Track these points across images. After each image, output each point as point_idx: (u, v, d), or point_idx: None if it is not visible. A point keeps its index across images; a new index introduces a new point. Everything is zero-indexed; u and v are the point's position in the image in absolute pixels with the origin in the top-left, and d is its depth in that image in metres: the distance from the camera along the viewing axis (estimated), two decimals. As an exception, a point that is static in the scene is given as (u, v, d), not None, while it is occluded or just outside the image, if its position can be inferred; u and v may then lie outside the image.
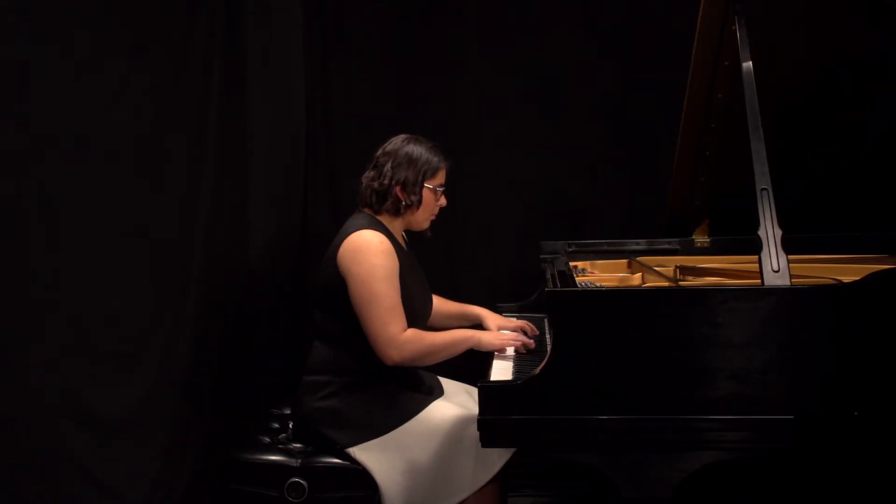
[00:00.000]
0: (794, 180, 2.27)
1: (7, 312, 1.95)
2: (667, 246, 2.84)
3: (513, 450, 2.24)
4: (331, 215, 3.22)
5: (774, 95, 2.20)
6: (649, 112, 3.05)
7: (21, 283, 1.99)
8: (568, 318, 1.90)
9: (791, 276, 1.91)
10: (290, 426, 2.45)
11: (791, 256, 1.93)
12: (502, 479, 2.32)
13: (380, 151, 2.40)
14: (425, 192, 2.37)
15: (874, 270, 2.00)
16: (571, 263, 2.72)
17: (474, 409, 2.01)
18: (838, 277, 2.10)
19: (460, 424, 2.24)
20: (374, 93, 3.25)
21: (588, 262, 2.82)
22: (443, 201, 2.45)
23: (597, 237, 2.93)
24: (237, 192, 3.00)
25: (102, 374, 2.26)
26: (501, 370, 2.30)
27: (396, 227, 2.42)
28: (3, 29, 1.93)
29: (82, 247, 2.18)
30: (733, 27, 2.24)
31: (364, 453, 2.25)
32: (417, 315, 2.36)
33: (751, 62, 2.15)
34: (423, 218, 2.43)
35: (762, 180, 2.00)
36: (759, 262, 1.93)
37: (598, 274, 2.69)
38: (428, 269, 2.58)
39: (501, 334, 2.42)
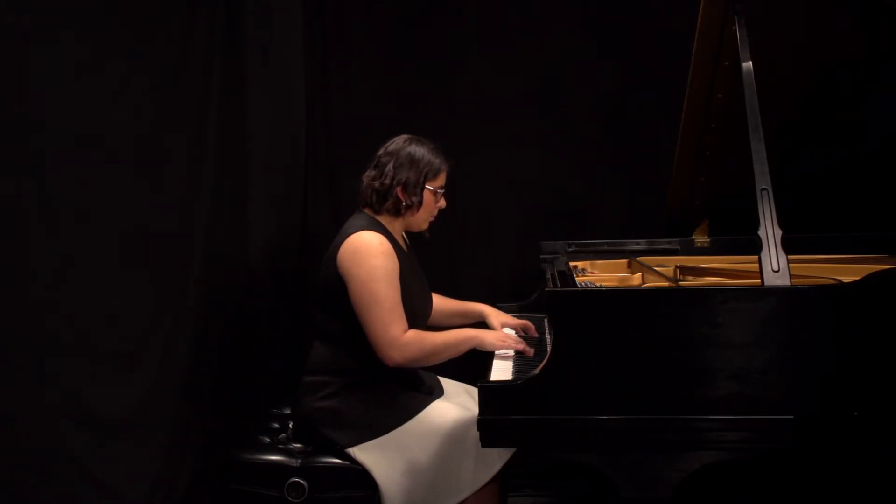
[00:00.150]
0: (794, 180, 2.27)
1: (7, 312, 1.95)
2: (667, 246, 2.84)
3: (513, 450, 2.24)
4: (331, 215, 3.22)
5: (774, 95, 2.20)
6: (649, 112, 3.05)
7: (21, 283, 1.99)
8: (568, 318, 1.90)
9: (791, 276, 1.91)
10: (290, 426, 2.45)
11: (791, 256, 1.93)
12: (502, 479, 2.32)
13: (381, 151, 2.40)
14: (426, 194, 2.37)
15: (874, 270, 2.00)
16: (571, 263, 2.72)
17: (474, 409, 2.01)
18: (838, 277, 2.10)
19: (460, 424, 2.24)
20: (374, 93, 3.25)
21: (588, 262, 2.81)
22: (442, 203, 2.45)
23: (597, 237, 2.93)
24: (237, 192, 3.00)
25: (102, 374, 2.26)
26: (501, 370, 2.30)
27: (396, 227, 2.42)
28: (3, 29, 1.93)
29: (82, 247, 2.19)
30: (733, 27, 2.24)
31: (364, 453, 2.25)
32: (418, 315, 2.36)
33: (751, 62, 2.15)
34: (422, 219, 2.43)
35: (762, 180, 2.00)
36: (759, 262, 1.93)
37: (598, 274, 2.69)
38: (428, 269, 2.58)
39: (504, 336, 2.41)
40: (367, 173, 2.40)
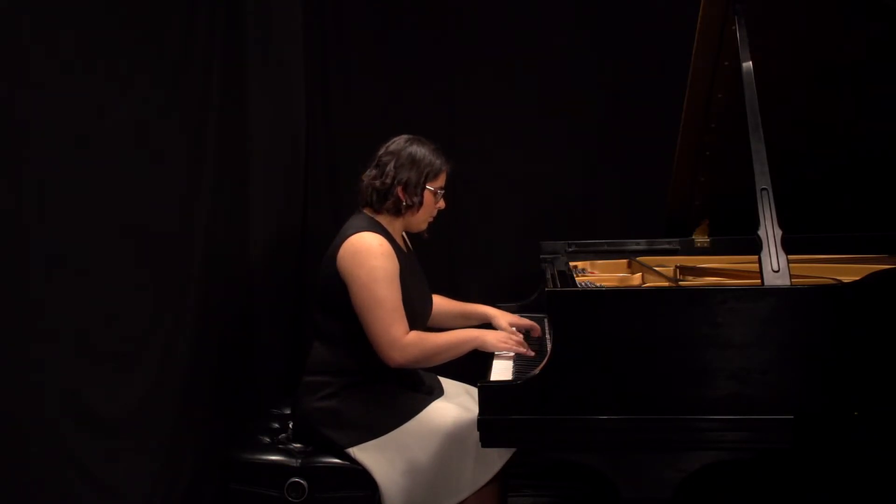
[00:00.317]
0: (794, 180, 2.27)
1: (7, 312, 1.95)
2: (667, 246, 2.84)
3: (513, 450, 2.24)
4: (331, 215, 3.22)
5: (774, 95, 2.20)
6: (649, 112, 3.05)
7: (21, 283, 1.99)
8: (568, 318, 1.90)
9: (791, 276, 1.91)
10: (290, 426, 2.45)
11: (791, 256, 1.93)
12: (502, 479, 2.32)
13: (382, 150, 2.40)
14: (426, 194, 2.37)
15: (874, 270, 2.00)
16: (571, 263, 2.72)
17: (474, 409, 2.01)
18: (838, 277, 2.10)
19: (460, 424, 2.24)
20: (374, 93, 3.24)
21: (588, 262, 2.81)
22: (442, 204, 2.45)
23: (597, 237, 2.93)
24: (237, 192, 3.00)
25: (102, 374, 2.26)
26: (501, 370, 2.30)
27: (396, 227, 2.42)
28: (3, 28, 1.93)
29: (82, 247, 2.18)
30: (733, 27, 2.24)
31: (364, 453, 2.25)
32: (417, 316, 2.36)
33: (751, 62, 2.15)
34: (422, 219, 2.43)
35: (762, 180, 2.00)
36: (759, 262, 1.93)
37: (598, 274, 2.69)
38: (428, 270, 2.58)
39: (506, 337, 2.40)
40: (368, 172, 2.40)
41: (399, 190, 2.35)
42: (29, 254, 2.03)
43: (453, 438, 2.23)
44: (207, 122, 2.78)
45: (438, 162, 2.38)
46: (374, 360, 2.27)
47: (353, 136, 3.20)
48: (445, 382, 2.53)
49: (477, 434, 1.92)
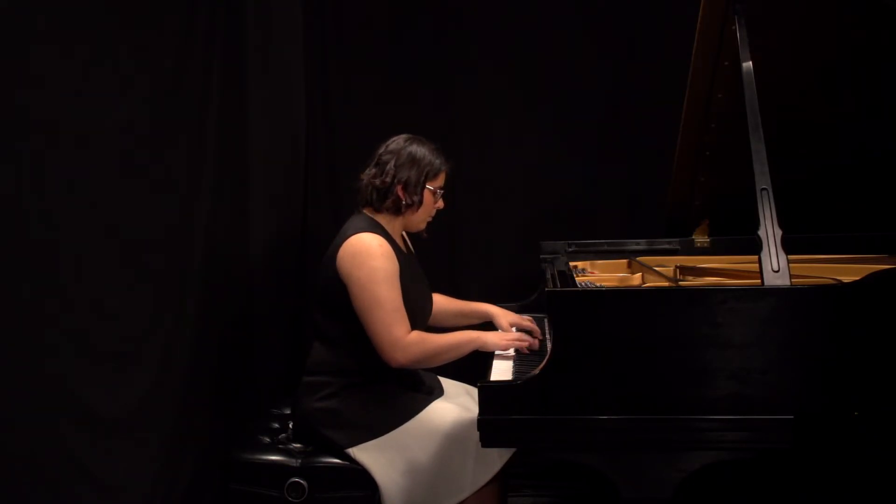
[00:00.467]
0: (794, 180, 2.27)
1: (7, 312, 1.95)
2: (667, 246, 2.84)
3: (513, 450, 2.24)
4: (331, 215, 3.22)
5: (774, 95, 2.20)
6: (649, 112, 3.05)
7: (21, 284, 1.99)
8: (568, 318, 1.90)
9: (791, 276, 1.91)
10: (290, 426, 2.45)
11: (791, 256, 1.93)
12: (502, 479, 2.32)
13: (382, 149, 2.40)
14: (426, 194, 2.37)
15: (874, 270, 2.00)
16: (571, 263, 2.72)
17: (474, 409, 2.01)
18: (838, 277, 2.10)
19: (460, 425, 2.24)
20: (374, 93, 3.25)
21: (588, 262, 2.81)
22: (441, 204, 2.45)
23: (597, 237, 2.93)
24: (237, 192, 3.00)
25: (102, 374, 2.26)
26: (501, 370, 2.30)
27: (396, 227, 2.42)
28: (3, 28, 1.93)
29: (82, 247, 2.18)
30: (733, 27, 2.24)
31: (364, 453, 2.25)
32: (418, 315, 2.36)
33: (751, 62, 2.15)
34: (421, 219, 2.43)
35: (762, 180, 2.00)
36: (759, 262, 1.93)
37: (598, 274, 2.69)
38: (428, 269, 2.58)
39: (506, 335, 2.41)
40: (368, 171, 2.40)
41: (399, 189, 2.35)
42: (29, 254, 2.02)
43: (453, 438, 2.23)
44: (207, 122, 2.77)
45: (438, 162, 2.39)
46: (373, 360, 2.27)
47: (353, 136, 3.20)
48: (445, 382, 2.53)
49: (477, 434, 1.92)
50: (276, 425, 2.51)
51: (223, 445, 2.57)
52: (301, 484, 2.26)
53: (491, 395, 1.91)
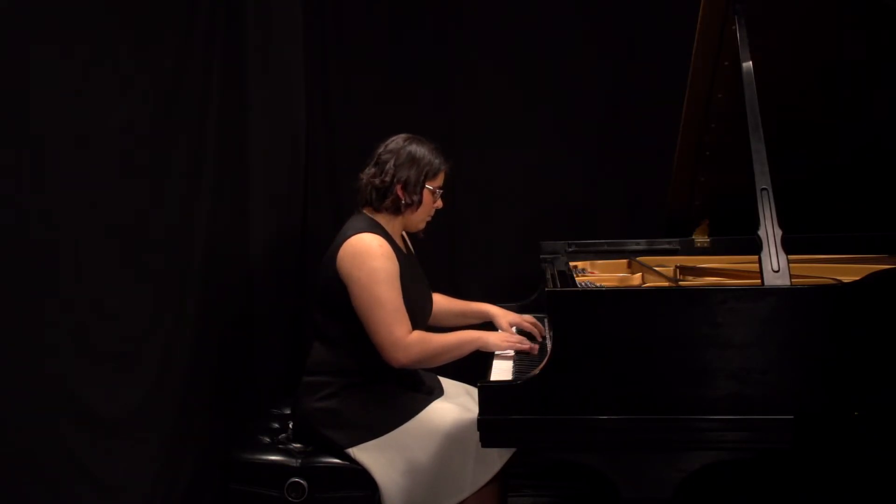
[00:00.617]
0: (794, 180, 2.27)
1: (7, 312, 1.95)
2: (667, 246, 2.84)
3: (513, 450, 2.24)
4: (331, 215, 3.22)
5: (774, 95, 2.20)
6: (649, 112, 3.05)
7: (21, 283, 1.99)
8: (568, 318, 1.90)
9: (791, 276, 1.91)
10: (290, 426, 2.45)
11: (791, 256, 1.93)
12: (502, 479, 2.32)
13: (381, 149, 2.40)
14: (425, 193, 2.38)
15: (874, 270, 2.00)
16: (571, 263, 2.72)
17: (474, 409, 2.01)
18: (838, 277, 2.10)
19: (460, 424, 2.24)
20: (374, 93, 3.24)
21: (588, 262, 2.81)
22: (440, 203, 2.45)
23: (597, 237, 2.93)
24: (237, 192, 3.00)
25: (102, 374, 2.26)
26: (501, 370, 2.30)
27: (395, 226, 2.42)
28: (3, 28, 1.93)
29: (82, 246, 2.18)
30: (733, 27, 2.24)
31: (364, 453, 2.25)
32: (418, 315, 2.36)
33: (751, 62, 2.15)
34: (420, 218, 2.43)
35: (762, 180, 2.00)
36: (759, 262, 1.93)
37: (598, 274, 2.69)
38: (428, 270, 2.58)
39: (508, 337, 2.40)
40: (367, 171, 2.40)
41: (398, 188, 2.35)
42: (29, 254, 2.02)
43: (453, 438, 2.23)
44: (207, 122, 2.77)
45: (437, 161, 2.39)
46: (374, 360, 2.27)
47: (353, 136, 3.20)
48: (445, 382, 2.53)
49: (477, 434, 1.92)
50: (276, 425, 2.51)
51: (223, 445, 2.57)
52: (301, 484, 2.26)
53: (491, 395, 1.91)
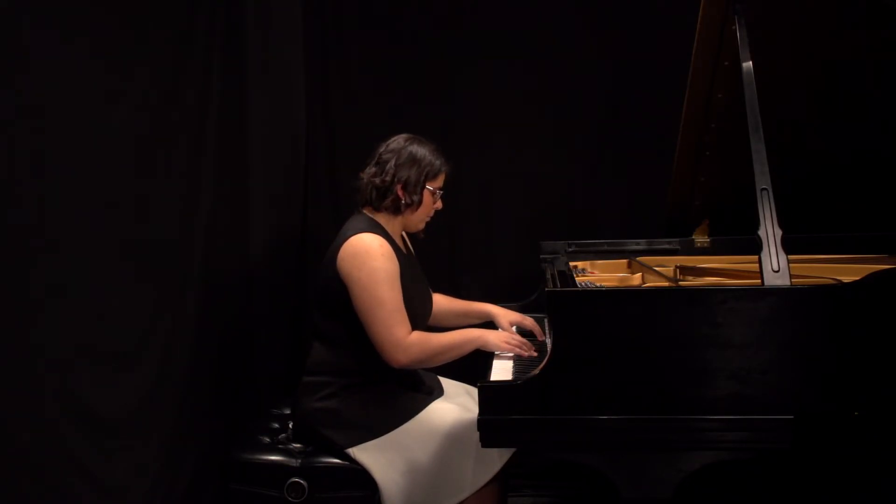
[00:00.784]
0: (794, 180, 2.27)
1: (7, 312, 1.95)
2: (667, 246, 2.84)
3: (513, 450, 2.24)
4: (331, 215, 3.22)
5: (774, 95, 2.19)
6: (649, 112, 3.05)
7: (21, 283, 1.99)
8: (568, 318, 1.90)
9: (791, 276, 1.91)
10: (290, 426, 2.45)
11: (791, 256, 1.93)
12: (502, 479, 2.32)
13: (382, 148, 2.40)
14: (425, 194, 2.38)
15: (874, 270, 2.00)
16: (571, 263, 2.72)
17: (474, 409, 2.01)
18: (838, 277, 2.10)
19: (460, 425, 2.24)
20: (374, 93, 3.24)
21: (588, 262, 2.81)
22: (439, 204, 2.45)
23: (597, 237, 2.93)
24: (237, 192, 3.00)
25: (102, 374, 2.26)
26: (501, 370, 2.30)
27: (395, 226, 2.42)
28: (3, 28, 1.93)
29: (82, 246, 2.18)
30: (733, 27, 2.24)
31: (364, 453, 2.25)
32: (418, 316, 2.36)
33: (751, 62, 2.15)
34: (419, 219, 2.43)
35: (762, 180, 2.00)
36: (759, 262, 1.93)
37: (598, 274, 2.69)
38: (428, 270, 2.58)
39: (508, 337, 2.39)
40: (368, 170, 2.41)
41: (398, 188, 2.35)
42: (29, 253, 2.02)
43: (453, 438, 2.23)
44: (207, 122, 2.77)
45: (438, 162, 2.39)
46: (373, 360, 2.27)
47: (353, 136, 3.20)
48: (445, 382, 2.53)
49: (477, 434, 1.92)
50: (276, 425, 2.51)
51: (223, 445, 2.57)
52: (301, 484, 2.26)
53: (491, 395, 1.91)
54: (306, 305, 3.22)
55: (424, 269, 2.56)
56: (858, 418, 1.88)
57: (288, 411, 2.52)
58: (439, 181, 2.41)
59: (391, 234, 2.39)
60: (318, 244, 2.86)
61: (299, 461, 2.30)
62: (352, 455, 2.26)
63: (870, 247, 2.58)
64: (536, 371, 1.90)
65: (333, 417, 2.29)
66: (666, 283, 2.36)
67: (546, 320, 2.54)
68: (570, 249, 2.88)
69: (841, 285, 1.98)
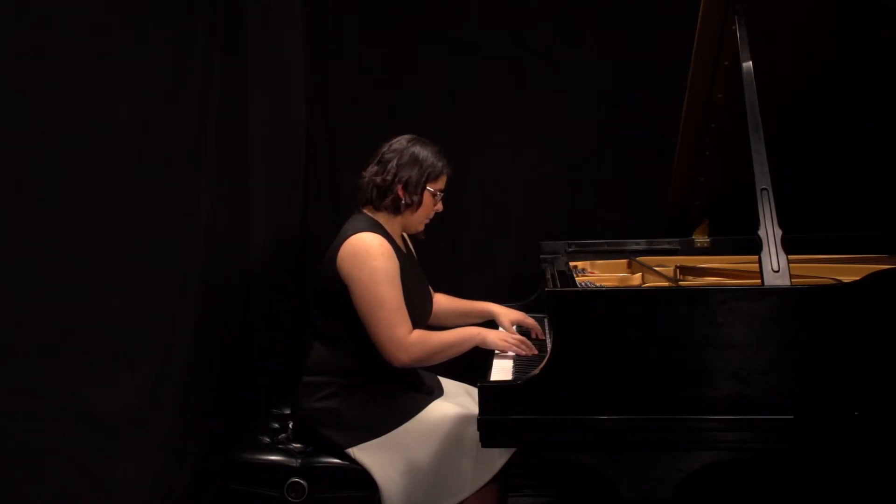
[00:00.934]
0: (794, 180, 2.27)
1: (7, 312, 1.95)
2: (667, 246, 2.84)
3: (513, 450, 2.24)
4: (331, 215, 3.22)
5: (774, 95, 2.20)
6: (649, 112, 3.05)
7: (21, 283, 1.99)
8: (568, 318, 1.90)
9: (791, 276, 1.91)
10: (290, 426, 2.45)
11: (791, 256, 1.93)
12: (502, 479, 2.32)
13: (385, 148, 2.41)
14: (425, 195, 2.38)
15: (874, 270, 2.00)
16: (571, 263, 2.72)
17: (474, 409, 2.01)
18: (838, 277, 2.10)
19: (460, 424, 2.24)
20: (374, 93, 3.25)
21: (588, 262, 2.81)
22: (440, 206, 2.45)
23: (597, 237, 2.93)
24: (237, 192, 3.00)
25: (102, 374, 2.26)
26: (501, 370, 2.30)
27: (395, 226, 2.42)
28: (3, 28, 1.93)
29: (82, 246, 2.18)
30: (733, 27, 2.24)
31: (364, 453, 2.25)
32: (418, 315, 2.37)
33: (751, 62, 2.15)
34: (419, 220, 2.43)
35: (762, 180, 2.00)
36: (759, 262, 1.93)
37: (598, 274, 2.69)
38: (429, 269, 2.58)
39: (508, 335, 2.40)
40: (370, 169, 2.41)
41: (399, 188, 2.35)
42: (29, 253, 2.02)
43: (453, 438, 2.23)
44: (207, 122, 2.77)
45: (440, 164, 2.39)
46: (373, 360, 2.27)
47: (353, 136, 3.20)
48: (445, 382, 2.54)
49: (477, 434, 1.92)
50: (276, 425, 2.51)
51: (223, 445, 2.57)
52: (301, 484, 2.26)
53: (491, 395, 1.91)
54: (306, 305, 3.22)
55: (424, 269, 2.56)
56: (858, 418, 1.88)
57: (288, 411, 2.52)
58: (440, 183, 2.41)
59: (391, 233, 2.39)
60: (318, 244, 2.86)
61: (299, 461, 2.30)
62: (352, 455, 2.26)
63: (870, 247, 2.58)
64: (536, 371, 1.90)
65: (333, 417, 2.29)
66: (666, 283, 2.36)
67: (546, 320, 2.54)
68: (570, 249, 2.88)
69: (841, 285, 1.98)
